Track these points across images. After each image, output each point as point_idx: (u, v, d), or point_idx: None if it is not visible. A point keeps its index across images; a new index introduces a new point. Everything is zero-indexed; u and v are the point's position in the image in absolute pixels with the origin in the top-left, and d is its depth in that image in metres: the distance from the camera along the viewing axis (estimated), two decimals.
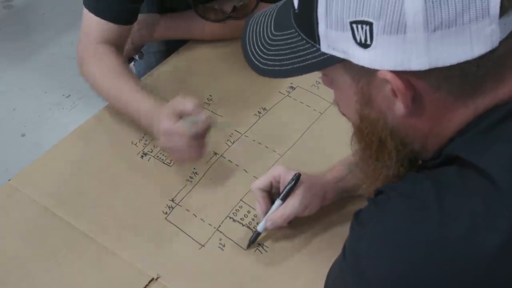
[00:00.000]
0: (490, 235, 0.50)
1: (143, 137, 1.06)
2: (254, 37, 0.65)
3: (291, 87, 1.15)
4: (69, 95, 2.39)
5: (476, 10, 0.49)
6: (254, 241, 0.88)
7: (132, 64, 1.35)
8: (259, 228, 0.87)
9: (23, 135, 2.25)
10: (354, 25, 0.53)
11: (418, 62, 0.51)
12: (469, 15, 0.49)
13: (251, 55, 0.64)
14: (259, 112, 1.10)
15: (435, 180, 0.55)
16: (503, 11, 0.50)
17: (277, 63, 0.61)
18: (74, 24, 2.77)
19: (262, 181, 0.88)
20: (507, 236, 0.49)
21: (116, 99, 1.04)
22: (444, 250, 0.51)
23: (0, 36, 2.74)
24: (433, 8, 0.49)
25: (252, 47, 0.65)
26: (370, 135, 0.61)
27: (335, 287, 0.63)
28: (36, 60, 2.59)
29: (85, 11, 1.07)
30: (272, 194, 0.89)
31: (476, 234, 0.50)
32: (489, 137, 0.54)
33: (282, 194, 0.86)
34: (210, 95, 1.14)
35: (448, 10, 0.49)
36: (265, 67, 0.62)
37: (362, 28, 0.52)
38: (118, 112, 1.07)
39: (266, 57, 0.62)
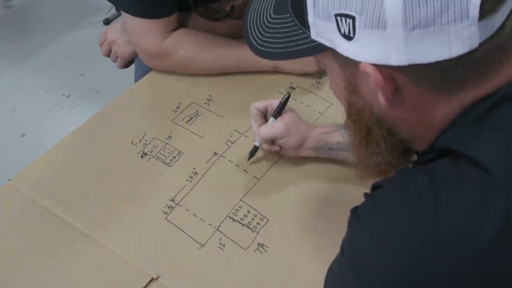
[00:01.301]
0: (483, 226, 0.50)
1: (143, 137, 1.06)
2: (255, 18, 0.68)
3: (291, 87, 1.15)
4: (69, 95, 2.39)
5: (454, 12, 0.50)
6: (253, 155, 1.00)
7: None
8: (257, 142, 0.99)
9: (23, 135, 2.25)
10: (339, 18, 0.55)
11: (397, 58, 0.53)
12: (448, 16, 0.50)
13: (250, 35, 0.67)
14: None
15: (429, 173, 0.55)
16: (483, 14, 0.50)
17: (272, 45, 0.64)
18: (74, 24, 2.78)
19: (260, 103, 0.99)
20: (499, 226, 0.50)
21: (227, 61, 1.16)
22: (439, 243, 0.51)
23: (0, 36, 2.74)
24: (412, 8, 0.50)
25: (252, 27, 0.68)
26: (358, 122, 0.63)
27: (334, 285, 0.63)
28: (36, 60, 2.59)
29: (132, 18, 1.12)
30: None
31: (470, 226, 0.50)
32: (478, 127, 0.55)
33: (274, 112, 0.97)
34: (210, 95, 1.14)
35: (427, 11, 0.50)
36: (262, 48, 0.65)
37: (345, 21, 0.54)
38: (229, 71, 1.17)
39: (263, 38, 0.65)
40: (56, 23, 2.78)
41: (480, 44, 0.52)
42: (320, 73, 1.16)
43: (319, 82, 1.15)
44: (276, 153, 1.00)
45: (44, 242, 0.91)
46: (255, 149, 0.99)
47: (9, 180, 1.01)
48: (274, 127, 0.96)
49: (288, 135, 0.95)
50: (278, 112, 0.97)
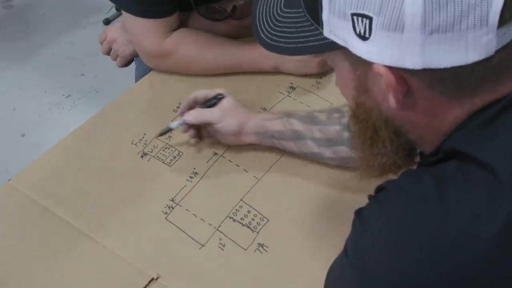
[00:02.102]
0: (490, 228, 0.50)
1: (143, 137, 1.06)
2: (265, 10, 0.67)
3: (291, 87, 1.15)
4: (69, 95, 2.39)
5: (474, 18, 0.49)
6: (164, 134, 1.03)
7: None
8: (173, 125, 1.01)
9: (23, 135, 2.25)
10: (355, 17, 0.54)
11: (412, 61, 0.52)
12: (467, 22, 0.50)
13: (259, 28, 0.66)
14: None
15: (436, 174, 0.55)
16: (502, 21, 0.50)
17: (282, 39, 0.63)
18: (74, 24, 2.78)
19: (203, 92, 1.01)
20: (506, 228, 0.49)
21: (227, 61, 1.16)
22: (445, 244, 0.51)
23: (0, 36, 2.74)
24: (432, 12, 0.50)
25: (261, 20, 0.67)
26: (365, 122, 0.62)
27: (335, 286, 0.63)
28: (36, 60, 2.59)
29: (132, 18, 1.13)
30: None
31: (477, 227, 0.50)
32: (487, 130, 0.55)
33: (202, 104, 1.00)
34: None
35: (446, 16, 0.49)
36: (271, 41, 0.64)
37: (362, 21, 0.53)
38: (230, 71, 1.17)
39: (273, 32, 0.64)
40: (56, 23, 2.78)
41: (497, 52, 0.51)
42: (320, 74, 1.16)
43: (319, 82, 1.15)
44: (277, 153, 1.00)
45: (44, 242, 0.91)
46: (167, 130, 1.02)
47: (9, 180, 1.01)
48: (209, 111, 0.98)
49: (225, 119, 0.97)
50: (208, 106, 0.99)
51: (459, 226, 0.51)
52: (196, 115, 0.98)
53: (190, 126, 1.00)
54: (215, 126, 0.98)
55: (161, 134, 1.03)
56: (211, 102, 0.99)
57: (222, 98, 0.99)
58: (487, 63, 0.52)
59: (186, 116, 0.98)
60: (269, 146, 0.99)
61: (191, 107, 1.01)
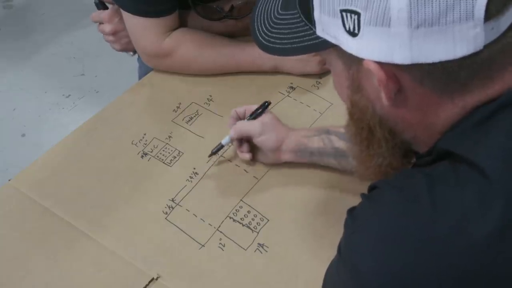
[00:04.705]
0: (481, 226, 0.50)
1: (143, 137, 1.06)
2: (262, 13, 0.68)
3: (291, 87, 1.15)
4: (69, 95, 2.39)
5: (460, 11, 0.50)
6: (215, 153, 1.00)
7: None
8: (224, 141, 0.98)
9: (23, 135, 2.25)
10: (344, 13, 0.55)
11: (401, 56, 0.53)
12: (453, 16, 0.50)
13: (257, 31, 0.68)
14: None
15: (429, 174, 0.55)
16: (489, 15, 0.50)
17: (277, 41, 0.65)
18: (74, 24, 2.78)
19: (240, 107, 1.01)
20: (496, 226, 0.50)
21: (227, 61, 1.16)
22: (436, 244, 0.51)
23: (0, 36, 2.74)
24: (418, 5, 0.50)
25: (259, 23, 0.68)
26: (360, 121, 0.62)
27: (332, 285, 0.63)
28: (36, 60, 2.59)
29: (131, 17, 1.12)
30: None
31: (467, 226, 0.50)
32: (480, 131, 0.55)
33: (250, 115, 0.99)
34: (210, 95, 1.14)
35: (432, 9, 0.50)
36: (268, 43, 0.66)
37: (351, 17, 0.54)
38: (229, 71, 1.16)
39: (270, 34, 0.66)
40: (56, 23, 2.77)
41: (485, 46, 0.51)
42: (320, 74, 1.16)
43: (319, 82, 1.15)
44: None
45: (44, 242, 0.91)
46: (219, 147, 0.99)
47: (9, 180, 1.01)
48: (250, 124, 0.97)
49: (265, 133, 0.95)
50: (254, 117, 0.98)
51: (450, 226, 0.51)
52: (238, 128, 0.97)
53: (241, 141, 0.98)
54: (255, 140, 0.96)
55: (213, 153, 1.00)
56: (257, 112, 0.98)
57: (268, 106, 0.99)
58: (476, 57, 0.52)
59: (231, 133, 0.97)
60: (306, 163, 0.97)
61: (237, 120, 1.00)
